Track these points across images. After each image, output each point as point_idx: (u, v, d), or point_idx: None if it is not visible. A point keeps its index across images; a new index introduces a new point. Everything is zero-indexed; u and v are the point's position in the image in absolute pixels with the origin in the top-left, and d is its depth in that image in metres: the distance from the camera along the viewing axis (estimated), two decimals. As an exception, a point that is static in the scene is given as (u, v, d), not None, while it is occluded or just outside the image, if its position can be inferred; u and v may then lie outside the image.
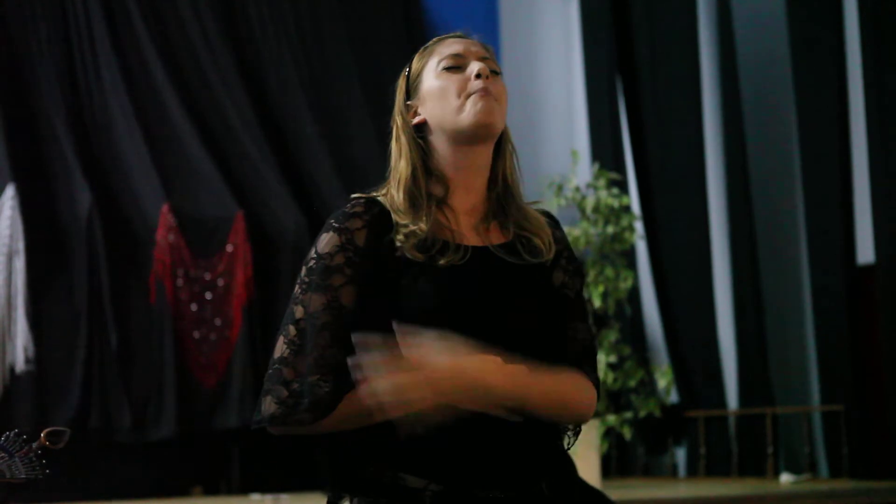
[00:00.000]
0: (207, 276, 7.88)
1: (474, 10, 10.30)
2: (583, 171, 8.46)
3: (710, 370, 8.90)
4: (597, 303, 6.92)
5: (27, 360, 7.19)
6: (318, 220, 7.57)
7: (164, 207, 7.80)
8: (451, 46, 2.23)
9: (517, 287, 2.16)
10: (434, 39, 2.28)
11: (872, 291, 8.15)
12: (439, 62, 2.21)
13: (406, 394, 1.91)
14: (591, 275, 7.16)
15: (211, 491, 7.57)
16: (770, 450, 8.18)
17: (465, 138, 2.16)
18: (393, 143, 2.27)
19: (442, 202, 2.18)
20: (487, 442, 2.06)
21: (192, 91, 8.65)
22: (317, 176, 8.81)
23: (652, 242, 9.10)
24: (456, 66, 2.19)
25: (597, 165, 8.18)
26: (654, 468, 9.12)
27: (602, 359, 6.81)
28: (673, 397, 8.69)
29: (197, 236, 7.92)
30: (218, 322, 7.86)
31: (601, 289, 7.03)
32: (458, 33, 2.27)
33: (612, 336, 7.10)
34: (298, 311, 2.08)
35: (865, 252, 8.30)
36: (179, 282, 7.79)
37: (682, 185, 9.10)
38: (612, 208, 7.46)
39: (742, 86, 8.93)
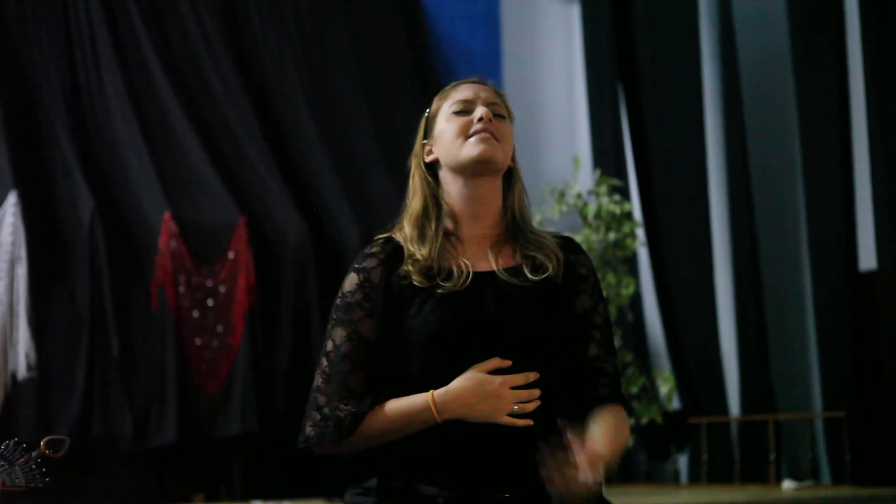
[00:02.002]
0: (209, 283, 7.89)
1: (476, 17, 10.33)
2: (584, 177, 8.46)
3: (712, 377, 8.90)
4: (600, 310, 6.87)
5: (29, 367, 7.20)
6: (320, 227, 7.52)
7: (166, 214, 7.81)
8: (463, 92, 2.43)
9: (518, 304, 2.30)
10: (451, 84, 2.49)
11: (875, 298, 8.14)
12: (451, 106, 2.41)
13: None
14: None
15: (212, 498, 7.56)
16: (772, 456, 8.16)
17: (468, 173, 2.35)
18: (409, 181, 2.48)
19: (450, 233, 2.38)
20: (497, 449, 2.23)
21: (194, 98, 8.66)
22: (319, 182, 8.82)
23: (653, 249, 9.08)
24: (465, 110, 2.40)
25: (598, 172, 8.16)
26: (656, 475, 9.11)
27: None
28: (675, 404, 8.71)
29: (199, 243, 7.93)
30: (220, 329, 7.86)
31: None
32: (474, 79, 2.48)
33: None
34: (328, 345, 2.32)
35: (868, 258, 8.29)
36: (181, 288, 7.80)
37: (683, 192, 9.11)
38: (613, 215, 7.45)
39: (744, 93, 8.93)
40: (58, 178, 7.82)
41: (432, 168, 2.46)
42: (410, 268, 2.32)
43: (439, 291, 2.29)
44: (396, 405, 2.27)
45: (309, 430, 2.27)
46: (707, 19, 9.36)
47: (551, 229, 2.66)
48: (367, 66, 9.59)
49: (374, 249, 2.38)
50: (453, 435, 2.22)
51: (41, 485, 2.65)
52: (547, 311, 2.31)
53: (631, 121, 9.46)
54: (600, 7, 9.62)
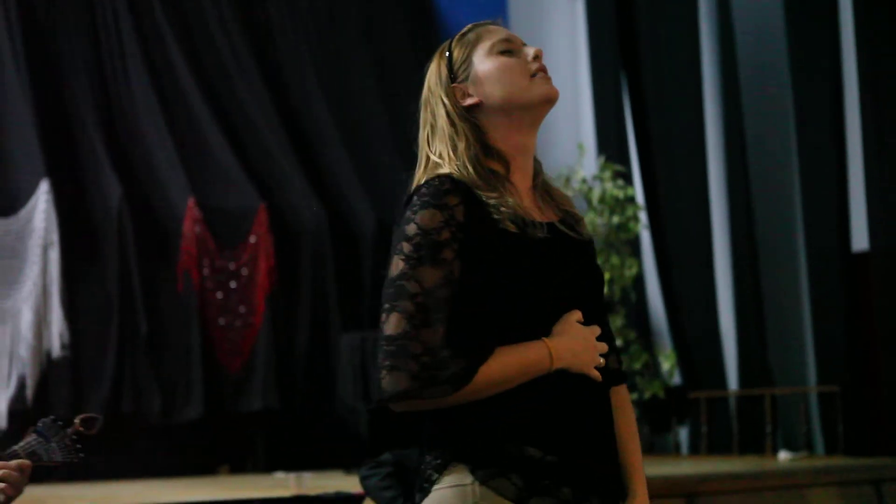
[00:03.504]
0: (232, 266, 7.92)
1: (483, 9, 10.32)
2: (589, 163, 8.53)
3: (711, 353, 8.93)
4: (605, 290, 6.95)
5: (63, 346, 7.23)
6: (337, 213, 7.63)
7: (191, 201, 7.85)
8: (498, 33, 2.19)
9: (585, 261, 2.18)
10: (470, 26, 2.23)
11: (867, 277, 8.19)
12: (492, 46, 2.17)
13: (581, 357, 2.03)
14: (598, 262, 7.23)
15: (237, 469, 7.61)
16: (769, 429, 8.22)
17: (535, 114, 2.17)
18: (443, 125, 2.20)
19: (506, 180, 2.15)
20: (589, 413, 2.09)
21: (215, 89, 8.70)
22: (335, 171, 8.86)
23: (656, 232, 9.08)
24: (510, 49, 2.16)
25: (602, 158, 8.24)
26: (659, 446, 9.16)
27: None
28: (676, 379, 8.75)
29: (222, 228, 7.96)
30: (242, 309, 7.90)
31: (607, 276, 7.07)
32: (495, 21, 2.25)
33: (617, 321, 7.16)
34: (413, 286, 2.02)
35: (860, 240, 8.33)
36: (205, 271, 7.84)
37: (684, 177, 9.13)
38: (617, 199, 7.52)
39: (741, 82, 8.97)
40: (87, 167, 7.83)
41: (469, 111, 2.17)
42: (497, 212, 2.07)
43: (530, 239, 2.07)
44: (509, 355, 2.04)
45: (404, 382, 1.98)
46: (706, 10, 9.39)
47: None
48: (380, 60, 9.62)
49: (449, 186, 2.08)
50: (552, 391, 2.05)
51: (76, 460, 2.79)
52: (597, 268, 2.22)
53: (633, 109, 9.48)
54: (603, 1, 9.68)
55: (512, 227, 2.06)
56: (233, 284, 7.93)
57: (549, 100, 2.13)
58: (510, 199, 2.09)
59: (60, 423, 2.70)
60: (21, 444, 2.69)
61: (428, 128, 2.23)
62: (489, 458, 2.01)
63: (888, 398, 7.90)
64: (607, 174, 7.58)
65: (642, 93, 9.41)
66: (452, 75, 2.20)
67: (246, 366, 7.87)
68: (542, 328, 2.07)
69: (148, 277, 7.70)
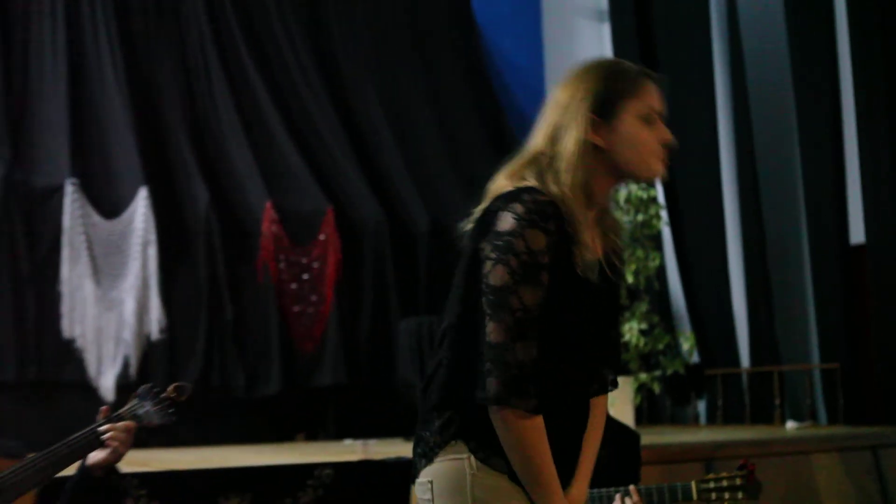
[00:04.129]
0: (304, 260, 7.96)
1: (521, 34, 10.31)
2: (616, 168, 8.54)
3: (725, 335, 8.91)
4: (630, 279, 6.98)
5: (160, 330, 7.33)
6: (394, 214, 7.62)
7: (268, 204, 7.89)
8: (654, 97, 2.11)
9: (613, 307, 2.18)
10: (635, 69, 2.12)
11: (863, 268, 8.14)
12: (642, 107, 2.10)
13: None
14: (624, 256, 7.22)
15: (311, 437, 7.66)
16: (777, 401, 8.20)
17: (630, 181, 2.14)
18: (568, 145, 2.06)
19: (586, 215, 2.06)
20: (569, 417, 2.10)
21: (288, 107, 8.74)
22: (393, 176, 8.88)
23: (675, 228, 9.07)
24: (653, 120, 2.10)
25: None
26: (679, 417, 9.15)
27: (634, 326, 6.87)
28: (695, 358, 8.73)
29: (295, 228, 7.98)
30: (314, 298, 7.93)
31: (633, 267, 7.09)
32: (657, 79, 2.15)
33: (643, 307, 7.16)
34: (515, 302, 1.96)
35: (857, 234, 8.29)
36: (281, 265, 7.87)
37: (699, 180, 9.09)
38: (641, 199, 7.50)
39: (750, 95, 8.92)
40: (179, 176, 7.89)
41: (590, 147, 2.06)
42: (578, 253, 2.02)
43: (585, 280, 2.04)
44: (544, 453, 2.01)
45: (496, 387, 1.94)
46: (717, 32, 9.38)
47: None
48: (431, 78, 9.64)
49: (550, 210, 2.00)
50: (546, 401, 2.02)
51: (170, 422, 2.76)
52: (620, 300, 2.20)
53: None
54: (627, 24, 9.63)
55: (580, 266, 2.02)
56: (305, 276, 7.96)
57: (654, 178, 2.14)
58: (585, 237, 2.03)
59: (156, 389, 2.80)
60: (125, 408, 2.76)
61: (550, 131, 2.11)
62: (485, 440, 2.01)
63: (882, 374, 7.86)
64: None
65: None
66: (600, 108, 2.07)
67: (317, 347, 7.91)
68: (568, 351, 2.05)
69: (232, 271, 7.76)
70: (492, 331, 1.95)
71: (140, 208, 7.43)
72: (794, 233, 8.69)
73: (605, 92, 2.07)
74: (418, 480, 2.08)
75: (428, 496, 2.05)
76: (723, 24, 9.26)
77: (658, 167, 2.12)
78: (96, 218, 7.33)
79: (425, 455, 2.06)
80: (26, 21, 7.81)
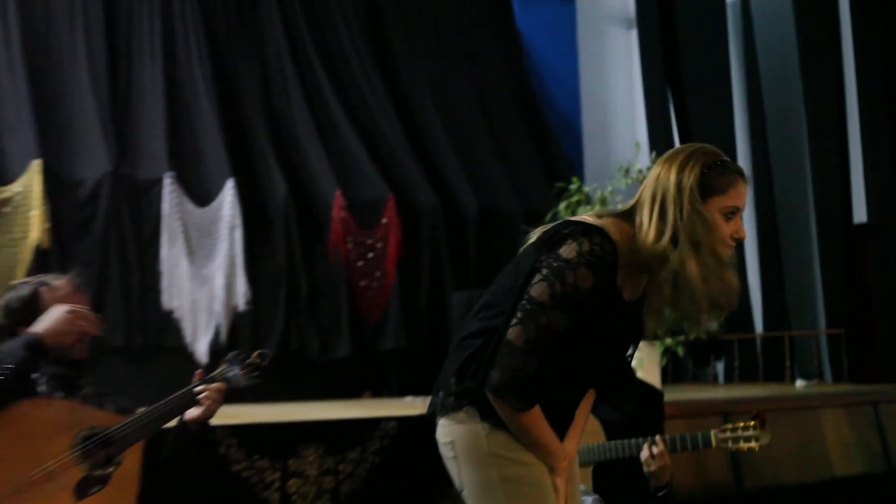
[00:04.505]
0: (369, 242, 7.96)
1: (559, 42, 10.30)
2: (643, 157, 8.46)
3: (741, 303, 8.82)
4: (656, 255, 6.90)
5: (246, 303, 7.36)
6: (447, 200, 7.58)
7: (337, 193, 7.90)
8: (740, 196, 2.09)
9: (637, 321, 2.17)
10: (727, 166, 2.08)
11: (865, 244, 8.12)
12: (728, 203, 2.07)
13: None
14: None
15: (377, 394, 7.70)
16: (787, 362, 8.19)
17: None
18: (666, 211, 2.03)
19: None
20: (566, 401, 2.18)
21: (354, 108, 8.74)
22: (445, 168, 8.87)
23: (696, 210, 9.06)
24: (733, 215, 2.08)
25: (654, 153, 8.15)
26: (700, 377, 9.15)
27: None
28: (713, 324, 8.71)
29: (361, 213, 7.99)
30: (378, 274, 7.95)
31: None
32: (747, 180, 2.12)
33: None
34: (544, 320, 1.98)
35: (860, 214, 8.25)
36: (349, 246, 7.88)
37: (718, 167, 9.09)
38: (666, 185, 7.44)
39: (763, 92, 8.90)
40: (260, 168, 7.91)
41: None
42: (626, 285, 2.07)
43: (620, 304, 2.08)
44: (541, 423, 2.07)
45: (497, 379, 2.00)
46: (734, 36, 9.33)
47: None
48: (478, 80, 9.62)
49: (611, 259, 2.02)
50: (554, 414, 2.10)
51: (254, 384, 2.82)
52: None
53: (677, 115, 9.46)
54: (652, 31, 9.59)
55: (627, 295, 2.08)
56: (370, 255, 7.97)
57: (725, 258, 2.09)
58: (629, 293, 2.08)
59: (243, 355, 2.86)
60: (216, 371, 2.83)
61: (658, 205, 2.04)
62: (494, 412, 2.06)
63: (882, 338, 7.83)
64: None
65: (684, 102, 9.38)
66: (701, 194, 2.04)
67: (381, 316, 7.92)
68: (597, 366, 2.13)
69: (307, 251, 7.77)
70: (513, 333, 2.00)
71: (227, 197, 7.47)
72: (803, 214, 8.65)
73: (703, 182, 2.05)
74: (442, 440, 2.16)
75: (452, 454, 2.13)
76: (738, 25, 9.24)
77: (727, 252, 2.09)
78: (190, 206, 7.38)
79: (443, 408, 2.13)
80: (129, 37, 7.87)
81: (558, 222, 2.12)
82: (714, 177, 2.06)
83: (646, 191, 2.09)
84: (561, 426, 2.18)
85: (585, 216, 2.11)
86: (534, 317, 1.98)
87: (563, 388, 2.12)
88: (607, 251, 2.01)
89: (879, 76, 8.01)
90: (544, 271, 2.00)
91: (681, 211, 2.02)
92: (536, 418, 2.05)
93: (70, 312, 2.66)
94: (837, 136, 8.29)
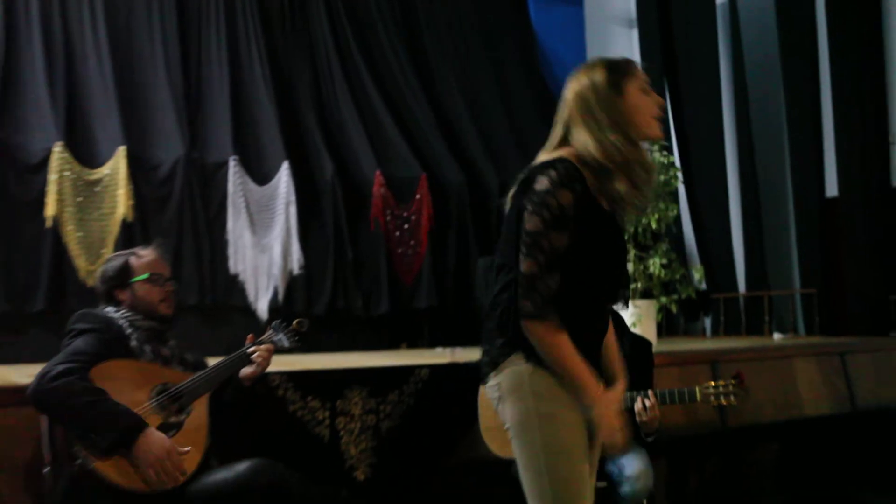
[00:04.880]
0: (405, 214, 7.98)
1: (568, 37, 10.21)
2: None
3: (727, 267, 8.88)
4: (654, 225, 6.92)
5: (300, 267, 7.40)
6: (473, 177, 7.59)
7: (377, 172, 7.90)
8: (643, 77, 2.07)
9: (623, 241, 2.15)
10: (625, 60, 2.09)
11: (835, 216, 8.07)
12: (642, 84, 2.06)
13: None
14: (649, 208, 7.16)
15: (412, 346, 7.72)
16: (766, 318, 8.19)
17: (641, 139, 2.05)
18: (593, 120, 2.02)
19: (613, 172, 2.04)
20: (595, 328, 2.10)
21: (391, 97, 8.72)
22: (471, 149, 8.85)
23: (688, 186, 9.04)
24: (648, 92, 2.07)
25: (653, 137, 8.16)
26: (691, 331, 9.19)
27: (657, 261, 6.82)
28: (703, 285, 8.72)
29: (397, 190, 8.00)
30: (412, 243, 7.97)
31: (657, 216, 7.03)
32: (639, 65, 2.10)
33: (663, 246, 7.07)
34: (546, 244, 1.95)
35: (832, 189, 8.19)
36: (388, 218, 7.90)
37: (707, 148, 9.05)
38: (662, 164, 7.42)
39: (748, 84, 8.83)
40: (311, 152, 7.91)
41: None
42: (597, 194, 2.01)
43: (609, 213, 2.04)
44: (573, 357, 1.98)
45: (532, 307, 1.95)
46: (723, 35, 9.24)
47: None
48: (498, 72, 9.57)
49: (576, 174, 1.99)
50: (579, 316, 2.02)
51: (296, 347, 2.91)
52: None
53: (673, 104, 9.43)
54: (651, 30, 9.54)
55: (605, 205, 2.03)
56: (406, 226, 7.98)
57: (656, 139, 2.09)
58: (607, 186, 2.02)
59: (285, 323, 2.96)
60: (264, 336, 2.95)
61: (578, 112, 2.05)
62: (535, 351, 2.00)
63: (848, 298, 7.80)
64: (656, 147, 7.48)
65: (679, 93, 9.33)
66: (615, 86, 2.03)
67: (415, 279, 7.94)
68: (607, 272, 2.05)
69: (352, 223, 7.79)
70: (525, 265, 1.96)
71: (283, 177, 7.47)
72: (781, 189, 8.61)
73: (611, 78, 2.04)
74: (488, 384, 2.09)
75: (497, 394, 2.06)
76: (726, 24, 9.16)
77: (654, 128, 2.06)
78: (252, 185, 7.41)
79: (490, 364, 2.07)
80: (199, 42, 7.91)
81: (522, 175, 2.08)
82: (617, 66, 2.05)
83: (567, 110, 2.08)
84: (592, 354, 2.07)
85: (539, 158, 2.09)
86: (536, 245, 1.95)
87: (583, 302, 2.03)
88: (571, 169, 1.99)
89: (849, 70, 7.93)
90: (529, 207, 1.97)
91: (606, 107, 2.01)
92: (568, 346, 1.96)
93: (162, 455, 2.46)
94: (812, 122, 8.23)
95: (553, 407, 2.00)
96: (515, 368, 2.02)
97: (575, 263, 1.98)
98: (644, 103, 2.05)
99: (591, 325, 2.10)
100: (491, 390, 2.08)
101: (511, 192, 2.09)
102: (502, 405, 2.06)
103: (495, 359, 2.05)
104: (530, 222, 1.97)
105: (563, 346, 1.97)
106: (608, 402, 2.02)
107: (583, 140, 2.03)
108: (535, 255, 1.95)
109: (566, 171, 1.99)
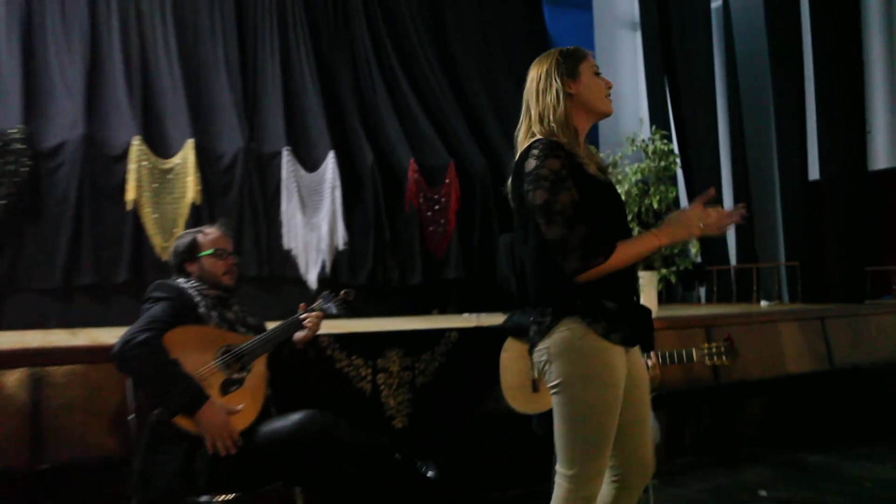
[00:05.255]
0: (436, 197, 7.98)
1: (578, 39, 10.12)
2: (645, 130, 8.41)
3: (719, 242, 8.82)
4: (655, 205, 6.89)
5: (344, 243, 7.41)
6: (494, 164, 7.59)
7: (412, 160, 7.89)
8: (593, 61, 2.11)
9: (618, 196, 2.11)
10: (577, 48, 2.12)
11: (817, 197, 7.98)
12: (592, 68, 2.10)
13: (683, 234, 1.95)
14: (651, 190, 7.13)
15: (442, 311, 7.74)
16: (755, 287, 8.12)
17: (596, 117, 2.10)
18: (551, 99, 2.03)
19: (576, 144, 2.06)
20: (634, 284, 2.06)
21: (423, 94, 8.69)
22: (493, 139, 8.80)
23: (686, 170, 8.96)
24: (599, 74, 2.11)
25: (654, 127, 8.09)
26: (687, 299, 9.15)
27: None
28: (699, 258, 8.67)
29: (429, 175, 7.99)
30: (442, 221, 7.98)
31: (658, 197, 7.00)
32: (591, 52, 2.14)
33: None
34: (557, 206, 1.91)
35: (814, 173, 8.10)
36: (421, 200, 7.90)
37: (703, 138, 8.98)
38: (663, 151, 7.38)
39: (740, 79, 8.73)
40: (353, 143, 7.91)
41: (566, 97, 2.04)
42: (585, 162, 2.00)
43: (598, 179, 2.01)
44: (630, 243, 1.94)
45: (574, 263, 1.88)
46: (717, 34, 9.12)
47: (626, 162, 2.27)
48: (516, 71, 9.29)
49: (555, 145, 1.98)
50: (621, 280, 1.99)
51: (343, 314, 2.93)
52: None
53: (672, 97, 9.35)
54: (653, 32, 9.45)
55: (593, 170, 2.02)
56: (436, 207, 7.98)
57: (608, 114, 2.11)
58: (583, 157, 2.02)
59: (333, 293, 2.98)
60: (314, 304, 2.96)
61: (538, 95, 2.07)
62: (587, 310, 1.96)
63: (827, 269, 7.72)
64: (657, 136, 7.42)
65: (678, 88, 9.24)
66: (568, 72, 2.06)
67: (445, 253, 7.94)
68: (617, 227, 2.00)
69: (389, 204, 7.79)
70: (549, 233, 1.92)
71: (330, 165, 7.48)
72: (769, 172, 8.52)
73: (566, 62, 2.08)
74: (537, 349, 2.03)
75: (545, 358, 2.02)
76: (720, 26, 9.05)
77: (607, 104, 2.10)
78: (302, 172, 7.41)
79: (540, 333, 2.02)
80: (255, 46, 7.92)
81: (515, 160, 2.06)
82: (569, 55, 2.09)
83: (528, 95, 2.10)
84: (628, 293, 2.02)
85: (518, 149, 2.07)
86: (549, 211, 1.90)
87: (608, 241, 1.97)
88: (548, 143, 1.98)
89: (831, 67, 7.80)
90: (528, 186, 1.94)
91: (559, 85, 2.04)
92: (619, 253, 1.91)
93: (219, 425, 2.46)
94: (797, 113, 8.11)
95: (594, 370, 1.95)
96: (562, 335, 1.98)
97: (587, 215, 1.95)
98: (595, 84, 2.07)
99: (622, 282, 2.03)
100: (538, 354, 2.03)
101: (509, 187, 2.08)
102: (549, 367, 2.01)
103: (544, 327, 2.01)
104: (536, 197, 1.94)
105: (617, 256, 1.91)
106: (687, 216, 1.99)
107: (545, 116, 2.04)
108: (553, 220, 1.91)
109: (545, 145, 1.97)
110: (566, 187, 1.91)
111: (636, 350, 2.10)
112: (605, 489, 2.08)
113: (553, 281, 1.97)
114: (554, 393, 2.01)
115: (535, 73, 2.10)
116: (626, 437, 2.04)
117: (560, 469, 2.01)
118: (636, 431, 2.07)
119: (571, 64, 2.07)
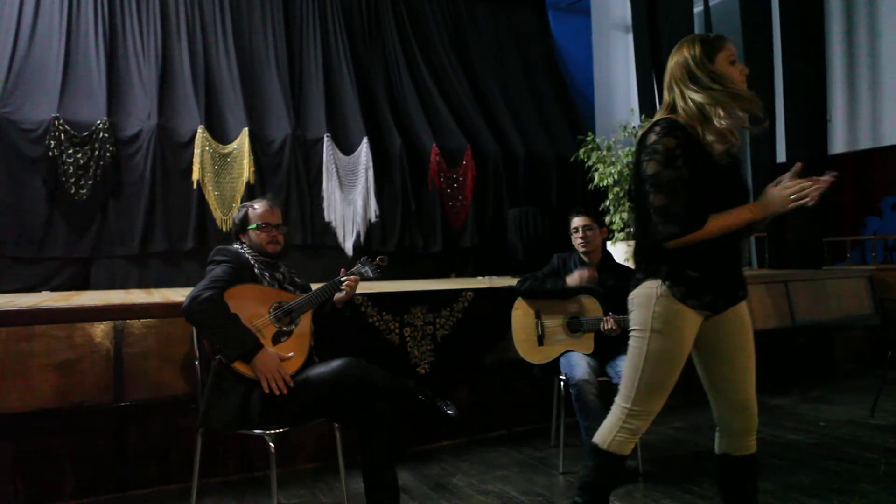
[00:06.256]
0: (454, 176, 7.92)
1: (579, 41, 9.99)
2: (635, 118, 8.28)
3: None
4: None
5: (376, 216, 7.39)
6: (505, 147, 7.51)
7: (434, 145, 7.84)
8: (731, 48, 1.95)
9: (738, 173, 2.00)
10: (717, 36, 1.96)
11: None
12: (730, 56, 1.95)
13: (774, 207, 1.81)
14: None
15: (459, 275, 7.75)
16: (728, 255, 8.02)
17: (733, 102, 1.91)
18: (694, 89, 1.89)
19: (709, 124, 1.92)
20: (725, 256, 1.94)
21: (444, 87, 8.58)
22: (504, 126, 8.70)
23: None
24: (735, 62, 1.97)
25: (643, 116, 7.96)
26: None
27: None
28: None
29: (449, 157, 7.93)
30: (460, 197, 7.93)
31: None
32: (729, 38, 1.97)
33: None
34: (665, 177, 1.84)
35: (781, 155, 7.95)
36: (442, 179, 7.86)
37: (685, 125, 8.81)
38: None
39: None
40: (384, 130, 7.85)
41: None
42: (712, 139, 1.87)
43: (717, 162, 1.89)
44: (724, 215, 1.85)
45: (675, 228, 1.81)
46: (698, 30, 8.90)
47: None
48: (526, 68, 9.34)
49: (676, 126, 1.88)
50: (708, 252, 1.87)
51: (378, 278, 2.90)
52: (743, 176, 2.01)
53: (658, 89, 9.17)
54: (643, 34, 9.25)
55: (718, 153, 1.87)
56: (455, 185, 7.93)
57: (743, 94, 1.91)
58: (710, 137, 1.89)
59: (370, 259, 2.93)
60: (353, 269, 2.93)
61: (680, 81, 1.93)
62: (669, 274, 1.90)
63: (790, 239, 7.61)
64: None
65: (663, 81, 9.03)
66: (709, 55, 1.92)
67: (462, 224, 7.90)
68: (723, 206, 1.87)
69: (414, 183, 7.75)
70: (655, 199, 1.85)
71: (364, 149, 7.44)
72: (742, 154, 8.33)
73: (706, 50, 1.94)
74: (630, 296, 2.00)
75: (631, 307, 1.98)
76: (701, 28, 8.78)
77: (744, 86, 1.94)
78: (340, 155, 7.39)
79: (633, 284, 1.99)
80: (300, 44, 7.88)
81: (641, 133, 1.95)
82: (710, 42, 1.95)
83: (669, 79, 1.96)
84: (731, 264, 1.93)
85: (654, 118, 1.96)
86: (658, 181, 1.84)
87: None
88: (670, 123, 1.88)
89: (797, 64, 7.61)
90: (644, 157, 1.87)
91: (701, 73, 1.90)
92: (714, 223, 1.83)
93: (273, 369, 2.44)
94: (767, 103, 7.91)
95: (662, 326, 1.91)
96: (647, 291, 1.94)
97: (694, 192, 1.86)
98: (729, 71, 1.93)
99: (723, 240, 1.92)
100: (629, 302, 2.00)
101: (635, 153, 2.00)
102: (633, 314, 1.98)
103: (635, 281, 1.99)
104: (648, 168, 1.88)
105: (711, 225, 1.84)
106: (772, 196, 1.86)
107: (680, 100, 1.93)
108: (660, 190, 1.85)
109: (666, 124, 1.90)
110: (676, 165, 1.83)
111: (740, 306, 2.00)
112: (717, 440, 2.05)
113: (649, 243, 1.92)
114: (630, 337, 2.00)
115: (675, 59, 1.97)
116: (726, 384, 2.00)
117: (618, 400, 2.01)
118: (736, 379, 2.01)
119: (708, 51, 1.94)
